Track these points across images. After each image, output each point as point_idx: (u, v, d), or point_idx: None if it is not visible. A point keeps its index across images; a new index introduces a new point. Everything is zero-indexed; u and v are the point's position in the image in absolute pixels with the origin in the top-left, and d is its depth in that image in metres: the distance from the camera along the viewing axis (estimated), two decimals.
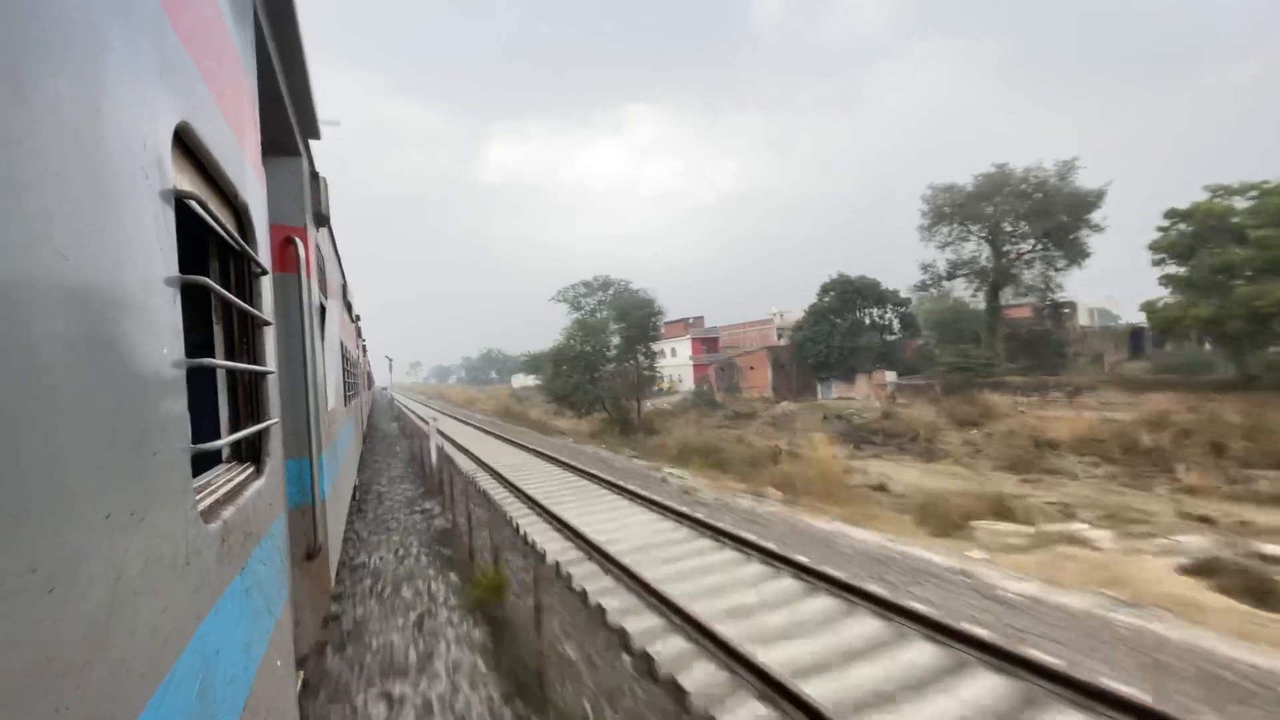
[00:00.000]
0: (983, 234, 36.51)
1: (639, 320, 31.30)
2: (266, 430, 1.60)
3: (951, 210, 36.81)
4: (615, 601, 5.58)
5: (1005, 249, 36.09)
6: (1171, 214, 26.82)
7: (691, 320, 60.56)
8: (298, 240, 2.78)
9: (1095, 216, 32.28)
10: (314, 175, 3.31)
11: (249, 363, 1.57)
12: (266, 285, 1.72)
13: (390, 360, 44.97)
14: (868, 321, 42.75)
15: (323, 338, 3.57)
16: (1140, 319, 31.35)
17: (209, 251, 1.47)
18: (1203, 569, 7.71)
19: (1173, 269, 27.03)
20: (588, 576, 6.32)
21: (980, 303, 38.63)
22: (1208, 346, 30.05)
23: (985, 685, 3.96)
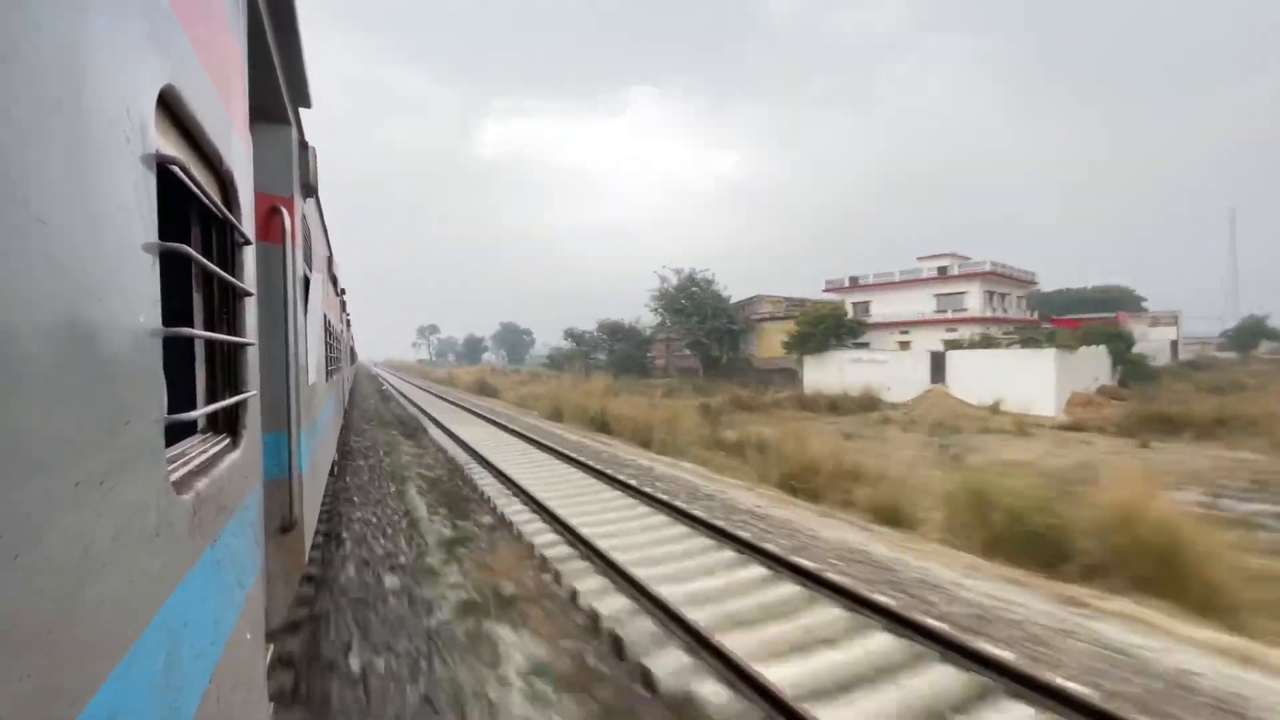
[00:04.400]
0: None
1: None
2: (244, 402, 1.58)
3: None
4: None
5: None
6: None
7: None
8: (283, 210, 2.73)
9: None
10: (303, 145, 3.24)
11: (228, 333, 1.55)
12: (249, 255, 1.70)
13: None
14: None
15: (306, 310, 3.52)
16: None
17: (191, 219, 1.45)
18: None
19: None
20: None
21: None
22: None
23: None
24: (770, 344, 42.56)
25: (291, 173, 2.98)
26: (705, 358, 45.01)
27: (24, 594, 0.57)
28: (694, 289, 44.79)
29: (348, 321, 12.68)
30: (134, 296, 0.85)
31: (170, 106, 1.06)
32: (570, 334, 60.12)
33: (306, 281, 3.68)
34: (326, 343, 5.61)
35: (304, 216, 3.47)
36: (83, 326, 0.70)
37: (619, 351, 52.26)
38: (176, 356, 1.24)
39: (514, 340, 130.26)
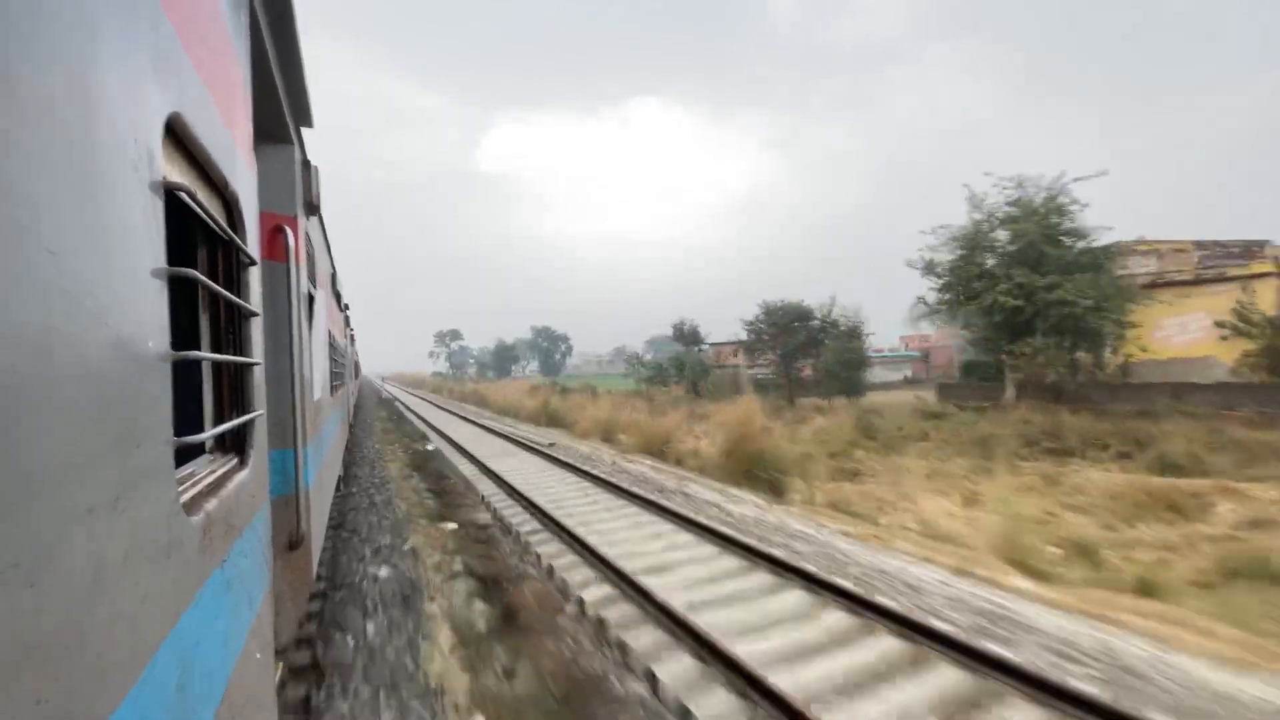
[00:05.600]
0: None
1: None
2: (251, 422, 1.60)
3: None
4: None
5: None
6: None
7: None
8: (287, 229, 2.76)
9: None
10: (305, 164, 3.28)
11: (235, 354, 1.57)
12: (254, 275, 1.72)
13: None
14: None
15: (310, 328, 3.55)
16: None
17: (197, 242, 1.47)
18: None
19: None
20: None
21: None
22: None
23: None
24: (1150, 332, 21.46)
25: (295, 192, 3.01)
26: (991, 360, 23.62)
27: (40, 616, 0.57)
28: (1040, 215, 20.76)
29: (351, 337, 12.76)
30: (143, 321, 0.86)
31: (177, 133, 1.08)
32: (682, 333, 38.64)
33: (310, 299, 3.71)
34: (331, 358, 5.65)
35: (307, 234, 3.51)
36: (94, 352, 0.71)
37: (837, 351, 28.87)
38: (185, 378, 1.25)
39: (550, 349, 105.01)
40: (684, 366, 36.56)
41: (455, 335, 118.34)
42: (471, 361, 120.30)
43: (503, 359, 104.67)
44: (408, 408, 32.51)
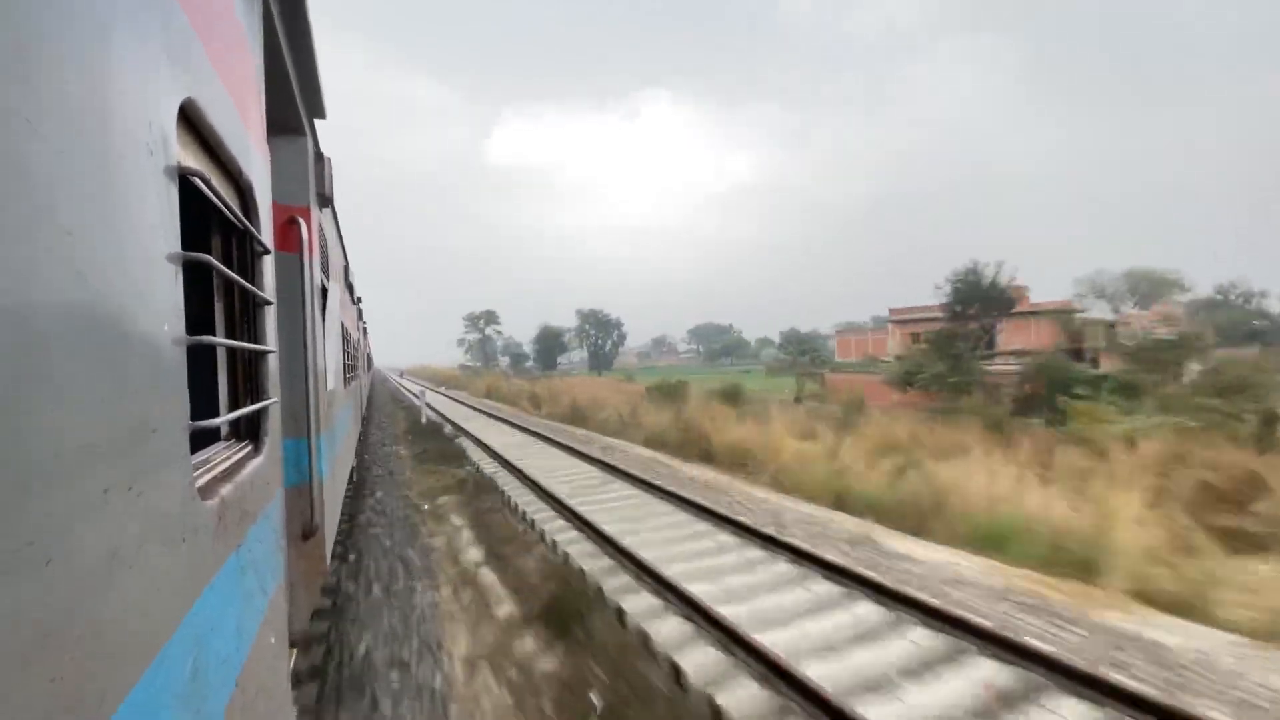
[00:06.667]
0: None
1: None
2: (265, 409, 1.60)
3: None
4: None
5: None
6: None
7: None
8: (301, 220, 2.77)
9: None
10: (318, 155, 3.29)
11: (249, 341, 1.58)
12: (268, 265, 1.72)
13: None
14: None
15: (324, 319, 3.58)
16: None
17: (211, 229, 1.47)
18: None
19: None
20: None
21: None
22: None
23: None
24: None
25: (308, 183, 3.03)
26: None
27: (56, 598, 0.58)
28: None
29: (364, 329, 12.91)
30: (159, 305, 0.86)
31: (191, 120, 1.08)
32: (977, 288, 24.58)
33: (324, 290, 3.74)
34: (344, 350, 5.70)
35: (320, 226, 3.53)
36: (110, 335, 0.71)
37: None
38: (199, 364, 1.26)
39: (599, 336, 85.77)
40: (958, 360, 20.68)
41: (491, 318, 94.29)
42: (498, 352, 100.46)
43: (549, 348, 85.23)
44: (546, 493, 9.04)
